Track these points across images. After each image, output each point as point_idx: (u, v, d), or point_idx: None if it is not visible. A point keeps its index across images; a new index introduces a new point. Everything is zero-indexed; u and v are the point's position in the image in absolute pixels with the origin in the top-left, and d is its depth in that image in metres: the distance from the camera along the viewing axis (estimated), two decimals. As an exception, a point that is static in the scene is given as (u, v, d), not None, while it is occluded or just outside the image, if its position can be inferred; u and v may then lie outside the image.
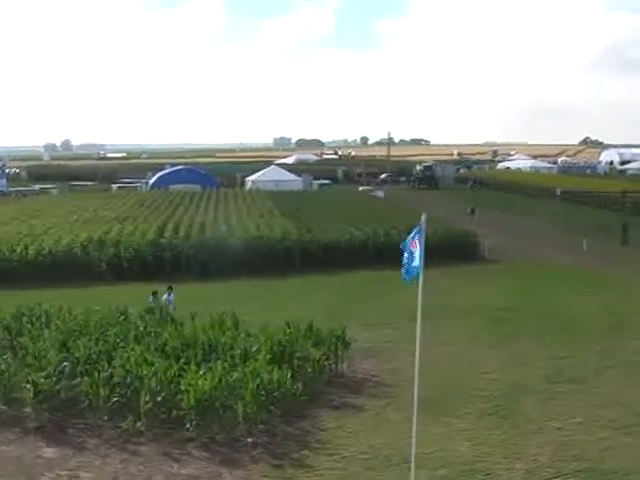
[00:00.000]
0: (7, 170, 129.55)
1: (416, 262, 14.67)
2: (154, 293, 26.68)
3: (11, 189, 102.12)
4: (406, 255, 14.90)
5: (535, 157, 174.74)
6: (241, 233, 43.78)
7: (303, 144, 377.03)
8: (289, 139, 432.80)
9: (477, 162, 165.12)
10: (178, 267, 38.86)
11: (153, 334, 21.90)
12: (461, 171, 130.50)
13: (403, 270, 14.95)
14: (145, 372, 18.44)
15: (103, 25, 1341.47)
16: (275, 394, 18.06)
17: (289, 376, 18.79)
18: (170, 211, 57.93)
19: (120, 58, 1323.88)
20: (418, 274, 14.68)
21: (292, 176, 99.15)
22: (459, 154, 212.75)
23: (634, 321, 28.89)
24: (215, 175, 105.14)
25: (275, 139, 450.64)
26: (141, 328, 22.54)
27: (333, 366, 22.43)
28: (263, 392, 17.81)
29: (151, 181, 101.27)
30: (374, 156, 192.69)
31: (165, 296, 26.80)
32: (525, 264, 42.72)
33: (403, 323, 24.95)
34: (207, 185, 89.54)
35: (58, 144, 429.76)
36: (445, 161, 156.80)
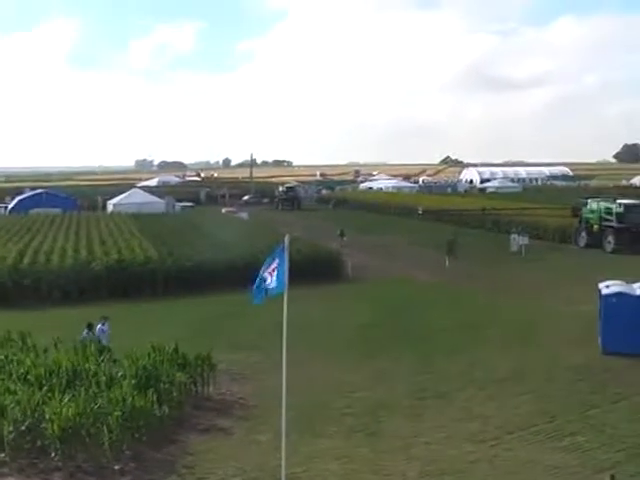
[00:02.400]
0: None
1: (274, 283, 14.87)
2: (89, 325, 25.21)
3: None
4: (260, 275, 15.16)
5: (397, 177, 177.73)
6: (102, 257, 43.05)
7: (165, 166, 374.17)
8: (151, 161, 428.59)
9: (340, 182, 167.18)
10: (39, 293, 37.85)
11: (15, 362, 21.43)
12: (324, 192, 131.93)
13: (253, 291, 15.23)
14: (7, 401, 18.04)
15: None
16: (141, 420, 17.89)
17: (155, 401, 18.65)
18: (30, 236, 56.64)
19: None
20: (275, 294, 14.90)
21: (154, 198, 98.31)
22: (322, 175, 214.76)
23: (488, 334, 29.80)
24: (76, 198, 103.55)
25: (137, 161, 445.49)
26: (1, 356, 22.06)
27: (200, 389, 22.35)
28: (129, 418, 17.63)
29: (10, 205, 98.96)
30: (237, 178, 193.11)
31: (99, 326, 25.42)
32: (387, 282, 43.37)
33: (268, 344, 25.06)
34: (68, 209, 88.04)
35: None
36: (308, 182, 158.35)
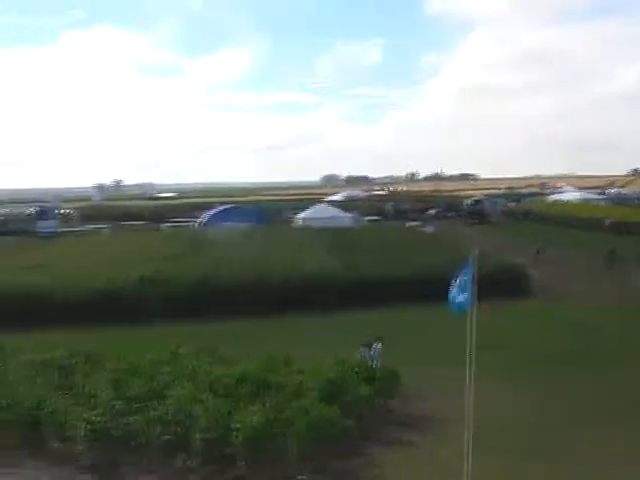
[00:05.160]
0: (58, 211, 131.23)
1: (463, 297, 14.72)
2: (367, 344, 25.36)
3: (62, 229, 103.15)
4: (454, 289, 14.97)
5: (584, 189, 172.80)
6: (293, 270, 43.65)
7: (351, 181, 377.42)
8: (338, 176, 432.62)
9: (527, 195, 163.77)
10: (228, 305, 38.56)
11: (204, 372, 22.04)
12: (510, 205, 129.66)
13: (450, 302, 15.07)
14: (197, 410, 18.58)
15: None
16: (326, 431, 18.06)
17: (340, 413, 18.82)
18: (222, 248, 58.05)
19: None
20: (465, 309, 14.72)
21: (341, 213, 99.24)
22: (508, 188, 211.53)
23: None
24: (265, 213, 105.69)
25: (323, 176, 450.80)
26: (192, 367, 22.74)
27: (385, 402, 22.39)
28: (314, 429, 17.82)
29: (203, 220, 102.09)
30: (422, 191, 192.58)
31: (375, 346, 25.33)
32: (576, 302, 41.52)
33: (453, 359, 24.74)
34: (257, 223, 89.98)
35: (109, 184, 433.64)
36: (495, 195, 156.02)
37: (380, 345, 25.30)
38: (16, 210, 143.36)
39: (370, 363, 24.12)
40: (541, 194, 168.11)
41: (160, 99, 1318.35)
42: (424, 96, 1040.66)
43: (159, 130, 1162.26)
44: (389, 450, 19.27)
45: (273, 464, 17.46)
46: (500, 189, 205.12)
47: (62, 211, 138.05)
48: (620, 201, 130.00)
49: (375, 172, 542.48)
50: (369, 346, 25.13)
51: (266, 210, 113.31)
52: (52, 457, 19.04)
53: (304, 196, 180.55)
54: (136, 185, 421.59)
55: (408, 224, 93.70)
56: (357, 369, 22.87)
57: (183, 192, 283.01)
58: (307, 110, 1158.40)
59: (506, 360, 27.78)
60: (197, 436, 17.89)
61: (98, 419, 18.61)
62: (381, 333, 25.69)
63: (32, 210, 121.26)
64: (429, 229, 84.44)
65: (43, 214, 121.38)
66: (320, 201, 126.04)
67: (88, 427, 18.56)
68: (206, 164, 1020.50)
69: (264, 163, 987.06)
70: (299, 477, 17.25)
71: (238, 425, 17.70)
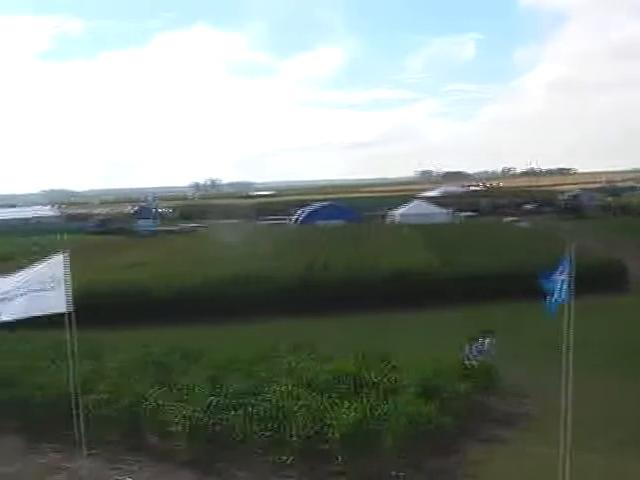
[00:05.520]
0: (157, 210, 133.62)
1: (559, 294, 14.50)
2: (480, 338, 24.83)
3: (161, 228, 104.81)
4: (549, 287, 14.76)
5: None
6: (388, 266, 43.62)
7: (447, 176, 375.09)
8: (433, 172, 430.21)
9: (626, 189, 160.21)
10: (325, 302, 38.69)
11: (301, 369, 22.15)
12: (608, 199, 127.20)
13: (547, 302, 14.83)
14: (294, 406, 18.70)
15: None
16: (422, 428, 17.99)
17: (436, 410, 18.73)
18: (319, 246, 58.35)
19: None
20: (561, 305, 14.52)
21: (437, 209, 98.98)
22: (607, 182, 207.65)
23: None
24: (359, 210, 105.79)
25: (419, 173, 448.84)
26: (290, 364, 22.88)
27: (482, 400, 22.23)
28: (410, 426, 17.77)
29: (299, 217, 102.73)
30: (519, 187, 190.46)
31: (485, 341, 24.80)
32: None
33: (550, 356, 24.36)
34: (352, 220, 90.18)
35: (205, 183, 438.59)
36: (592, 189, 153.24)
37: (490, 340, 24.86)
38: (117, 209, 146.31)
39: (479, 358, 23.79)
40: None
41: (252, 98, 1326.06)
42: (518, 90, 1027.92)
43: (253, 129, 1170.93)
44: (486, 448, 19.09)
45: (369, 461, 17.46)
46: (598, 183, 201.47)
47: (161, 210, 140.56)
48: None
49: (470, 167, 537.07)
50: (479, 340, 24.69)
51: (361, 207, 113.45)
52: (151, 453, 19.37)
53: (399, 193, 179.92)
54: (232, 183, 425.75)
55: (506, 219, 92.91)
56: (456, 365, 22.75)
57: (278, 190, 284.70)
58: (400, 106, 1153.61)
59: (604, 357, 27.23)
60: (294, 432, 17.98)
61: (197, 415, 18.87)
62: (480, 329, 25.39)
63: (132, 209, 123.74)
64: (525, 224, 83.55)
65: (142, 213, 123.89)
66: (416, 197, 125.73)
67: (187, 423, 18.82)
68: (300, 162, 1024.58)
69: (358, 160, 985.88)
70: (395, 474, 17.23)
71: (335, 422, 17.75)
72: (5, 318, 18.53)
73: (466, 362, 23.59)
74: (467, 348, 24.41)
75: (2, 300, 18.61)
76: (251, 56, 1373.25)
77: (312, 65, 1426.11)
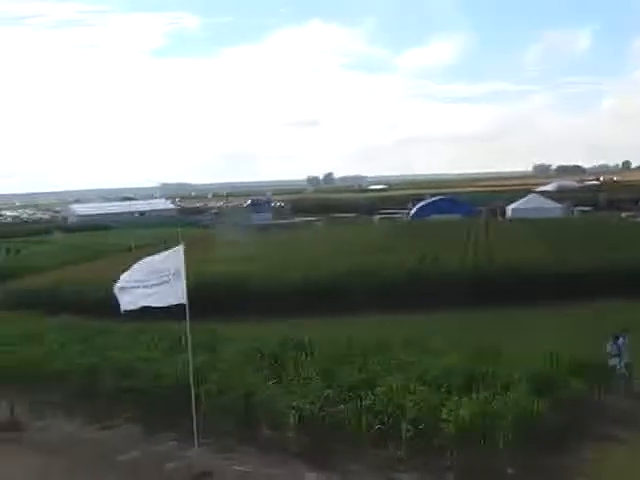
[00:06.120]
0: (272, 203, 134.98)
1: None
2: (616, 337, 23.76)
3: (274, 222, 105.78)
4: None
5: None
6: (502, 261, 43.16)
7: (563, 171, 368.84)
8: (549, 166, 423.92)
9: None
10: (436, 296, 38.36)
11: (413, 363, 22.10)
12: None
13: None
14: (407, 401, 18.68)
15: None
16: (535, 425, 17.78)
17: (550, 407, 18.48)
18: (430, 241, 58.00)
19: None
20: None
21: (552, 204, 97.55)
22: None
23: None
24: (474, 204, 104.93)
25: (535, 166, 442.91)
26: (401, 357, 22.86)
27: (597, 397, 21.84)
28: (523, 423, 17.58)
29: (412, 211, 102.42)
30: (637, 181, 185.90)
31: (621, 340, 23.79)
32: None
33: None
34: (466, 214, 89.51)
35: (321, 177, 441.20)
36: None
37: (626, 338, 23.83)
38: (231, 203, 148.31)
39: (617, 357, 23.25)
40: None
41: (367, 92, 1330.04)
42: (637, 83, 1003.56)
43: (367, 123, 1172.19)
44: (601, 447, 18.74)
45: (481, 456, 17.33)
46: None
47: (275, 204, 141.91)
48: None
49: (587, 161, 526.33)
50: (616, 339, 23.71)
51: (476, 201, 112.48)
52: (263, 443, 19.58)
53: (514, 187, 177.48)
54: (346, 177, 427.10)
55: (624, 214, 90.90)
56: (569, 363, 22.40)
57: (391, 184, 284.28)
58: (515, 99, 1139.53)
59: None
60: (406, 426, 17.97)
61: (309, 407, 19.01)
62: (611, 327, 24.75)
63: (247, 203, 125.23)
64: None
65: (257, 207, 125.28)
66: (531, 192, 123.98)
67: (299, 415, 18.98)
68: (413, 155, 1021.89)
69: (472, 153, 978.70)
70: (508, 470, 17.08)
71: (447, 417, 17.68)
72: (127, 308, 19.07)
73: (610, 361, 23.07)
74: (609, 346, 23.75)
75: (124, 290, 19.15)
76: (366, 51, 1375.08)
77: (428, 59, 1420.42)
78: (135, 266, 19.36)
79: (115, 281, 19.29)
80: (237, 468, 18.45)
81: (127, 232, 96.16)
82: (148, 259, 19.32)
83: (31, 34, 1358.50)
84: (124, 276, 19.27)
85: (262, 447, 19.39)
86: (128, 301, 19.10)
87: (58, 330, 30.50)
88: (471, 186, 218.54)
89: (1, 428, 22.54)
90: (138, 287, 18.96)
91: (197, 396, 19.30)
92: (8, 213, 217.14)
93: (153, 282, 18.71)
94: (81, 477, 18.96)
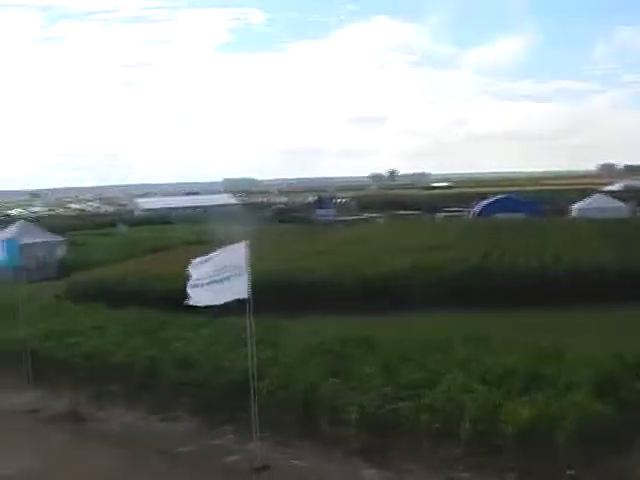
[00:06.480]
0: (335, 200, 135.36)
1: None
2: None
3: (339, 218, 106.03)
4: None
5: None
6: (567, 260, 42.67)
7: (630, 170, 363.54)
8: (615, 165, 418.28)
9: None
10: (498, 295, 37.92)
11: (475, 362, 21.96)
12: None
13: None
14: (466, 400, 18.57)
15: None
16: (598, 427, 17.56)
17: (614, 409, 18.24)
18: (494, 239, 57.54)
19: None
20: None
21: (618, 203, 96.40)
22: None
23: None
24: (539, 203, 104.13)
25: (601, 165, 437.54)
26: (463, 355, 22.73)
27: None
28: (585, 424, 17.36)
29: (477, 210, 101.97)
30: None
31: None
32: None
33: None
34: (531, 213, 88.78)
35: (385, 174, 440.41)
36: None
37: None
38: (296, 199, 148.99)
39: None
40: None
41: (434, 89, 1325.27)
42: None
43: (433, 120, 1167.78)
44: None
45: (542, 457, 17.16)
46: None
47: (339, 200, 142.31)
48: None
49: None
50: None
51: (542, 200, 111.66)
52: (321, 439, 19.61)
53: (580, 186, 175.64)
54: (410, 175, 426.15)
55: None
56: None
57: (456, 182, 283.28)
58: (582, 98, 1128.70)
59: None
60: (466, 426, 17.86)
61: (369, 404, 18.99)
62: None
63: (311, 199, 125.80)
64: None
65: (321, 203, 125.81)
66: (596, 191, 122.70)
67: (359, 411, 18.96)
68: (479, 153, 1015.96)
69: (539, 152, 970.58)
70: (569, 472, 16.89)
71: (507, 417, 17.54)
72: (191, 303, 19.34)
73: None
74: None
75: (192, 287, 19.42)
76: (432, 48, 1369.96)
77: (494, 56, 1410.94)
78: (198, 262, 19.56)
79: (181, 275, 19.56)
80: (296, 462, 18.52)
81: (190, 226, 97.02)
82: (211, 255, 19.49)
83: (99, 29, 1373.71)
84: (190, 272, 19.53)
85: (321, 442, 19.42)
86: (192, 297, 19.36)
87: (121, 322, 30.86)
88: (538, 185, 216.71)
89: (64, 418, 22.92)
90: (202, 284, 19.18)
91: (257, 390, 19.40)
92: (74, 206, 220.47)
93: (216, 278, 18.88)
94: (142, 468, 19.16)
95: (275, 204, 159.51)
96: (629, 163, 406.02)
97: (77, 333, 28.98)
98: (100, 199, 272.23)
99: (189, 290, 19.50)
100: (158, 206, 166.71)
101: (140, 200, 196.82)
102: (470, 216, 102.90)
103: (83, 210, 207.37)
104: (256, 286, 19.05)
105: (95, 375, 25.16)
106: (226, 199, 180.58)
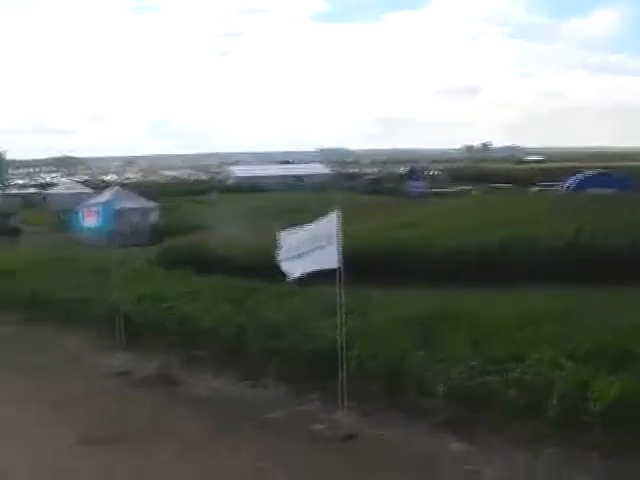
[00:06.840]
0: (428, 172, 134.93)
1: None
2: None
3: (431, 190, 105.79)
4: None
5: None
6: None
7: None
8: None
9: None
10: (594, 270, 37.33)
11: (564, 337, 21.71)
12: None
13: None
14: (555, 376, 18.40)
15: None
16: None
17: None
18: (587, 215, 56.66)
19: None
20: None
21: None
22: None
23: None
24: (632, 180, 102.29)
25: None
26: (552, 331, 22.48)
27: None
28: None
29: (569, 185, 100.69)
30: None
31: None
32: None
33: None
34: (626, 189, 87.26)
35: (478, 146, 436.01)
36: None
37: None
38: (387, 170, 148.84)
39: None
40: None
41: (528, 60, 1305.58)
42: None
43: (527, 92, 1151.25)
44: None
45: (630, 436, 16.94)
46: None
47: (431, 172, 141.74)
48: None
49: None
50: None
51: (635, 177, 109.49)
52: (407, 411, 19.63)
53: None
54: (504, 147, 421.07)
55: None
56: None
57: (549, 155, 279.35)
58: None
59: None
60: (554, 402, 17.70)
61: (456, 377, 18.95)
62: None
63: (403, 170, 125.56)
64: None
65: (413, 174, 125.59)
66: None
67: (447, 384, 18.94)
68: (574, 127, 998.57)
69: (635, 127, 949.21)
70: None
71: (596, 394, 17.34)
72: (290, 278, 19.63)
73: None
74: None
75: (286, 260, 19.65)
76: (527, 19, 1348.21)
77: (590, 28, 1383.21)
78: (286, 234, 19.75)
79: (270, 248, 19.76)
80: (381, 433, 18.61)
81: (284, 195, 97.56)
82: (304, 227, 19.61)
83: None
84: (281, 243, 19.74)
85: (407, 414, 19.45)
86: (288, 270, 19.62)
87: (210, 289, 31.21)
88: (633, 160, 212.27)
89: (155, 382, 23.37)
90: (293, 256, 19.36)
91: (345, 359, 19.50)
92: (167, 173, 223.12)
93: (306, 249, 19.01)
94: (232, 433, 19.42)
95: (368, 174, 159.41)
96: None
97: (169, 298, 29.45)
98: (193, 167, 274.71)
99: (282, 264, 19.70)
100: (252, 174, 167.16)
101: (234, 168, 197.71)
102: (563, 190, 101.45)
103: (176, 177, 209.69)
104: (348, 257, 19.14)
105: (185, 340, 25.61)
106: (320, 169, 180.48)
